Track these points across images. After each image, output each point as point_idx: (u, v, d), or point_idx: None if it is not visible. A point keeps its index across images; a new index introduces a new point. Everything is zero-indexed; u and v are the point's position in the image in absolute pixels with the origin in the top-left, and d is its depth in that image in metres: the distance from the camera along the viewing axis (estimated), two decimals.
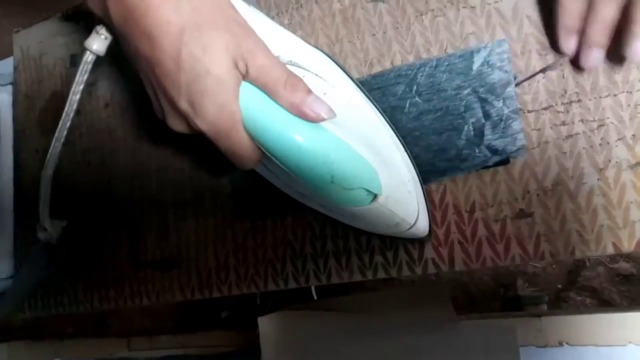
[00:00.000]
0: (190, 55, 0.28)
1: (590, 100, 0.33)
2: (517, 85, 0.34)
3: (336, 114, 0.30)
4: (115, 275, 0.46)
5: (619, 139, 0.32)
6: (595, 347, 0.38)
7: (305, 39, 0.38)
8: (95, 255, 0.48)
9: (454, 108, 0.35)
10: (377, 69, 0.38)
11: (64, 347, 0.61)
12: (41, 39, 0.54)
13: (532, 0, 0.34)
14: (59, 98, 0.52)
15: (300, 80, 0.30)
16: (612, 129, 0.32)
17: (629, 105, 0.32)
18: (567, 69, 0.33)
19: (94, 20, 0.34)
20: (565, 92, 0.33)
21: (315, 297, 0.68)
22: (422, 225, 0.33)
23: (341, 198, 0.30)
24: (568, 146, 0.33)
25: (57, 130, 0.39)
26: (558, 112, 0.33)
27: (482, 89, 0.35)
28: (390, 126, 0.35)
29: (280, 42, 0.33)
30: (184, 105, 0.30)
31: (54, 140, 0.40)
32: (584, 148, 0.32)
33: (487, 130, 0.34)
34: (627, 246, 0.31)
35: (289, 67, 0.32)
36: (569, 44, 0.32)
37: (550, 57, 0.34)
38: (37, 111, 0.53)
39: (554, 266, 0.90)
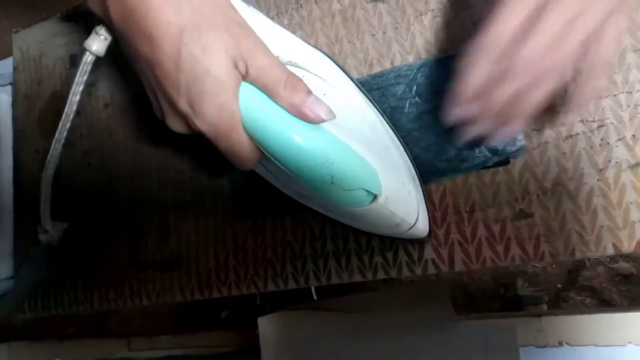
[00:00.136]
0: (190, 55, 0.28)
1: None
2: None
3: (336, 115, 0.30)
4: (115, 276, 0.46)
5: (618, 140, 0.32)
6: (595, 347, 0.38)
7: (305, 39, 0.38)
8: (95, 256, 0.48)
9: None
10: (376, 69, 0.38)
11: (64, 347, 0.60)
12: (41, 39, 0.54)
13: None
14: (59, 98, 0.52)
15: (301, 80, 0.30)
16: (612, 129, 0.32)
17: (628, 105, 0.32)
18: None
19: (94, 20, 0.34)
20: (565, 93, 0.33)
21: (315, 298, 0.68)
22: (422, 226, 0.33)
23: (341, 199, 0.30)
24: (568, 147, 0.33)
25: (57, 131, 0.39)
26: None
27: None
28: (390, 126, 0.35)
29: (280, 42, 0.33)
30: (183, 105, 0.30)
31: (54, 141, 0.40)
32: (583, 148, 0.32)
33: None
34: (627, 247, 0.31)
35: (289, 67, 0.32)
36: (456, 112, 0.30)
37: None
38: (37, 112, 0.53)
39: (553, 266, 0.90)
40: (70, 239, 0.47)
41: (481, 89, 0.29)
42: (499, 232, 0.34)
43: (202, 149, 0.35)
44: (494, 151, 0.34)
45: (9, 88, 0.56)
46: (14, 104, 0.55)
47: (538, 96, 0.28)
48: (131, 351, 0.57)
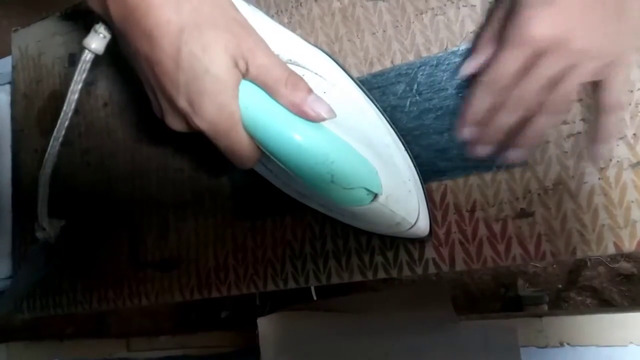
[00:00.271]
0: (189, 54, 0.28)
1: (591, 99, 0.32)
2: None
3: (336, 114, 0.30)
4: (114, 276, 0.46)
5: (620, 138, 0.32)
6: (596, 348, 0.38)
7: (304, 37, 0.38)
8: (94, 256, 0.47)
9: (455, 107, 0.35)
10: (377, 67, 0.38)
11: (63, 347, 0.60)
12: (39, 38, 0.53)
13: None
14: (58, 97, 0.51)
15: (302, 79, 0.30)
16: None
17: (629, 104, 0.32)
18: None
19: (93, 19, 0.34)
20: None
21: (315, 298, 0.67)
22: (423, 225, 0.33)
23: (341, 198, 0.30)
24: (569, 145, 0.33)
25: (56, 129, 0.39)
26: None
27: None
28: (391, 125, 0.35)
29: (280, 40, 0.33)
30: (183, 104, 0.30)
31: (52, 139, 0.40)
32: (585, 147, 0.32)
33: None
34: (628, 246, 0.31)
35: (289, 66, 0.32)
36: (463, 133, 0.34)
37: None
38: (36, 111, 0.53)
39: (554, 266, 0.90)
40: (69, 238, 0.47)
41: (483, 117, 0.33)
42: (500, 231, 0.33)
43: (201, 148, 0.35)
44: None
45: (7, 87, 0.56)
46: (13, 103, 0.54)
47: (533, 130, 0.32)
48: (130, 351, 0.57)
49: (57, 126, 0.39)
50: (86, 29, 0.35)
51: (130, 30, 0.30)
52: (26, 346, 0.62)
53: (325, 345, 0.45)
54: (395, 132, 0.35)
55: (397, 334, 0.43)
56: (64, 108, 0.38)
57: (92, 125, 0.49)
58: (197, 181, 0.44)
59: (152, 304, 0.45)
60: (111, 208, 0.47)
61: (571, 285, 0.89)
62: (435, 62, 0.36)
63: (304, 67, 0.33)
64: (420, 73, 0.36)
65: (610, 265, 0.86)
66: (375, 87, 0.37)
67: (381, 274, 0.36)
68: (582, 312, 0.39)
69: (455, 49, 0.36)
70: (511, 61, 0.31)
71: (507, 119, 0.32)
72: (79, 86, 0.37)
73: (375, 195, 0.30)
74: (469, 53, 0.35)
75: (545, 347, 0.39)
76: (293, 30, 0.40)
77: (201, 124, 0.30)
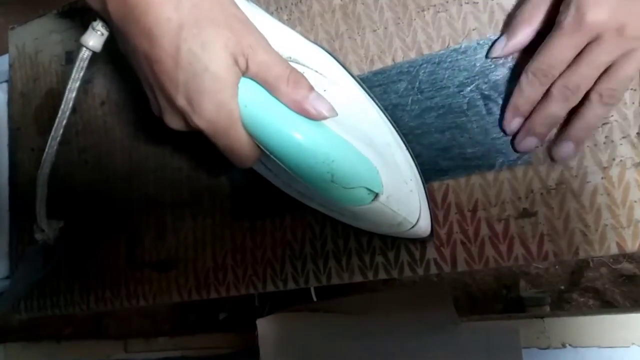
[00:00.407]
0: (189, 52, 0.28)
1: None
2: None
3: (337, 112, 0.30)
4: (112, 276, 0.46)
5: (623, 137, 0.31)
6: (598, 349, 0.38)
7: (304, 35, 0.37)
8: (91, 256, 0.47)
9: (457, 105, 0.35)
10: (378, 65, 0.38)
11: (61, 348, 0.60)
12: (36, 36, 0.53)
13: None
14: (55, 96, 0.51)
15: (303, 77, 0.30)
16: (616, 127, 0.32)
17: (633, 103, 0.32)
18: None
19: (90, 16, 0.34)
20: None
21: (315, 299, 0.67)
22: (424, 225, 0.33)
23: (342, 197, 0.30)
24: None
25: (53, 128, 0.39)
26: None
27: (485, 86, 0.34)
28: (392, 124, 0.34)
29: (280, 38, 0.33)
30: (181, 102, 0.29)
31: (50, 138, 0.39)
32: (587, 146, 0.32)
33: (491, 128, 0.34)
34: (631, 246, 0.31)
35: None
36: (512, 124, 0.33)
37: None
38: (33, 109, 0.52)
39: (556, 267, 0.90)
40: (66, 238, 0.46)
41: (530, 105, 0.32)
42: (502, 231, 0.33)
43: (200, 147, 0.35)
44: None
45: (4, 85, 0.55)
46: (10, 101, 0.54)
47: (586, 121, 0.31)
48: (128, 353, 0.56)
49: (55, 125, 0.38)
50: (83, 27, 0.35)
51: (129, 27, 0.29)
52: (23, 347, 0.62)
53: (325, 346, 0.44)
54: (397, 131, 0.34)
55: (397, 335, 0.42)
56: (62, 107, 0.37)
57: (89, 124, 0.49)
58: (196, 180, 0.43)
59: (150, 304, 0.44)
60: (108, 207, 0.47)
61: (573, 286, 0.88)
62: (437, 60, 0.36)
63: (304, 65, 0.33)
64: (422, 71, 0.36)
65: (613, 267, 0.86)
66: (376, 85, 0.37)
67: (382, 275, 0.36)
68: (584, 313, 0.39)
69: (457, 46, 0.35)
70: (567, 47, 0.29)
71: (558, 109, 0.31)
72: (77, 84, 0.36)
73: (376, 195, 0.30)
74: (471, 50, 0.34)
75: (547, 348, 0.39)
76: (293, 27, 0.39)
77: (200, 122, 0.30)
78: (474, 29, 0.35)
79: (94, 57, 0.35)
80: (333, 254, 0.37)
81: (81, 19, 0.50)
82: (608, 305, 0.85)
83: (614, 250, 0.31)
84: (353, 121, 0.32)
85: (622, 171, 0.31)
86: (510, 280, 0.91)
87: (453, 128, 0.35)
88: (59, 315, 0.48)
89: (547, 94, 0.31)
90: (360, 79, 0.36)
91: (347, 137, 0.30)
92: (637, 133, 0.31)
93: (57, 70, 0.51)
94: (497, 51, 0.33)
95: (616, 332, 0.37)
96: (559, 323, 0.39)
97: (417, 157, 0.35)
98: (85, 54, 0.35)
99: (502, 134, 0.34)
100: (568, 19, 0.29)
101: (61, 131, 0.39)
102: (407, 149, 0.34)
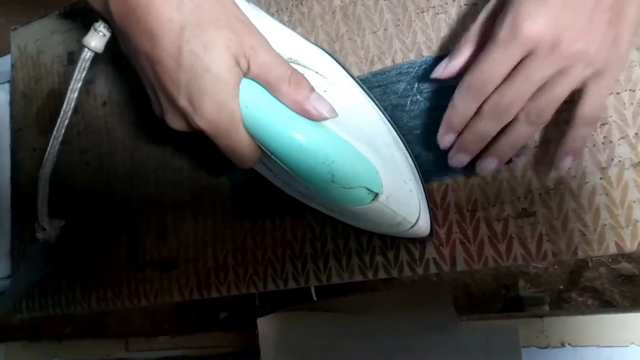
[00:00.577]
0: (190, 53, 0.28)
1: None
2: None
3: (338, 113, 0.30)
4: (113, 276, 0.46)
5: (621, 138, 0.32)
6: (597, 348, 0.38)
7: (305, 36, 0.38)
8: (93, 256, 0.47)
9: None
10: (378, 66, 0.38)
11: (62, 348, 0.60)
12: (38, 36, 0.53)
13: None
14: (57, 96, 0.51)
15: (304, 77, 0.30)
16: (615, 127, 0.32)
17: (631, 103, 0.32)
18: None
19: (92, 17, 0.34)
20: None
21: (315, 298, 0.67)
22: (424, 225, 0.33)
23: (342, 197, 0.30)
24: None
25: (55, 128, 0.39)
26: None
27: None
28: (391, 124, 0.35)
29: (280, 39, 0.33)
30: (183, 103, 0.29)
31: (52, 139, 0.39)
32: (586, 146, 0.32)
33: None
34: (630, 246, 0.31)
35: None
36: (444, 140, 0.32)
37: None
38: (35, 109, 0.52)
39: (555, 267, 0.90)
40: (67, 238, 0.47)
41: (463, 122, 0.31)
42: (501, 231, 0.33)
43: (201, 147, 0.35)
44: None
45: (6, 86, 0.56)
46: (12, 102, 0.54)
47: (511, 139, 0.30)
48: (129, 352, 0.56)
49: (57, 125, 0.39)
50: (85, 27, 0.35)
51: (131, 28, 0.30)
52: (24, 346, 0.62)
53: (325, 345, 0.44)
54: (396, 131, 0.34)
55: (397, 335, 0.42)
56: (64, 107, 0.37)
57: (90, 124, 0.49)
58: (197, 181, 0.43)
59: (151, 304, 0.44)
60: (110, 207, 0.47)
61: (572, 286, 0.88)
62: (436, 61, 0.36)
63: (304, 66, 0.33)
64: (422, 72, 0.36)
65: (612, 266, 0.86)
66: (376, 86, 0.37)
67: (382, 274, 0.36)
68: (583, 313, 0.39)
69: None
70: (501, 61, 0.28)
71: (489, 128, 0.30)
72: (79, 85, 0.37)
73: (376, 195, 0.30)
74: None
75: (547, 347, 0.39)
76: (293, 28, 0.40)
77: (201, 123, 0.30)
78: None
79: (96, 57, 0.35)
80: (333, 254, 0.38)
81: (83, 20, 0.50)
82: (607, 304, 0.85)
83: (612, 250, 0.31)
84: (353, 122, 0.32)
85: (621, 171, 0.31)
86: (510, 279, 0.91)
87: None
88: (60, 315, 0.49)
89: (478, 111, 0.30)
90: (360, 80, 0.36)
91: (347, 138, 0.30)
92: (636, 133, 0.31)
93: (59, 70, 0.52)
94: (437, 73, 0.32)
95: (615, 331, 0.38)
96: (558, 322, 0.39)
97: (416, 157, 0.35)
98: (87, 54, 0.35)
99: None
100: (504, 31, 0.28)
101: (63, 131, 0.39)
102: (407, 149, 0.34)
